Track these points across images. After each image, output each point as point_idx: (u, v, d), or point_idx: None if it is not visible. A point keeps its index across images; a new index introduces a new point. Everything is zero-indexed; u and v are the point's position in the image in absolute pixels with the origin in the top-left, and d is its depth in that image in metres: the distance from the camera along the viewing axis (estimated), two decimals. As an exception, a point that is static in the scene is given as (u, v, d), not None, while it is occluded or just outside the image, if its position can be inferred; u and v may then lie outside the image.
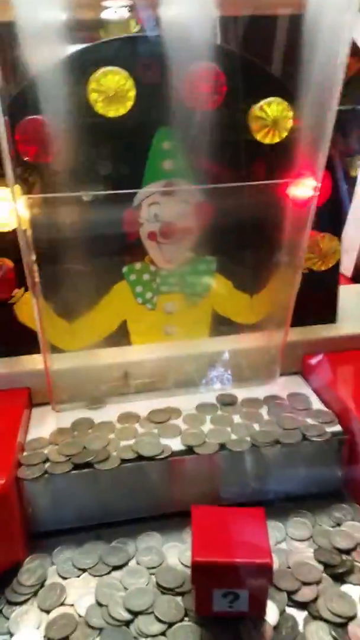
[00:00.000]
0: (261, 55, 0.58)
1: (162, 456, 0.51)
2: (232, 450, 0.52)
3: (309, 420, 0.56)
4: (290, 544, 0.50)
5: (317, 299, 0.64)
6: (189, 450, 0.52)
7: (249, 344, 0.62)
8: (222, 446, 0.52)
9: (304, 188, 0.52)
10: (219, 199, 0.56)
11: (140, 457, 0.51)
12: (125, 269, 0.60)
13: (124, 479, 0.51)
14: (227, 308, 0.64)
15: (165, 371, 0.62)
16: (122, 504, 0.53)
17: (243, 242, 0.60)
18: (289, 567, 0.47)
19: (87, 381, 0.61)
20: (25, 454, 0.52)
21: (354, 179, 0.89)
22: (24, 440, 0.54)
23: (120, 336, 0.63)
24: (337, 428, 0.55)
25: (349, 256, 0.90)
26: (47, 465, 0.51)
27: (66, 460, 0.51)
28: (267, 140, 0.54)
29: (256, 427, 0.55)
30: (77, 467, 0.50)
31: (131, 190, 0.56)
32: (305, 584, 0.45)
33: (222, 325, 0.63)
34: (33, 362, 0.60)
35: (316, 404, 0.59)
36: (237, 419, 0.57)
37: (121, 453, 0.52)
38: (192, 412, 0.58)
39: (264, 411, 0.58)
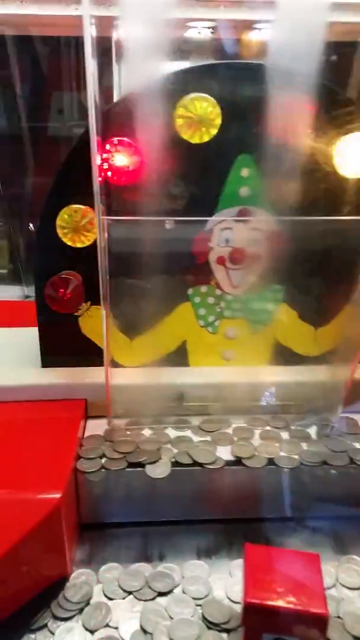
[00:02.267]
0: (343, 81, 0.57)
1: (215, 466, 0.53)
2: (280, 466, 0.54)
3: (357, 445, 0.56)
4: (341, 591, 0.49)
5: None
6: (238, 461, 0.54)
7: (311, 377, 0.61)
8: (270, 461, 0.54)
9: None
10: (293, 229, 0.56)
11: (194, 463, 0.53)
12: (190, 291, 0.60)
13: (175, 482, 0.53)
14: (290, 338, 0.62)
15: (221, 396, 0.61)
16: (170, 504, 0.55)
17: (313, 274, 0.59)
18: (339, 617, 0.46)
19: (142, 398, 0.61)
20: (82, 450, 0.55)
21: None
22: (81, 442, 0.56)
23: (179, 356, 0.63)
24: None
25: None
26: (103, 460, 0.54)
27: (121, 458, 0.54)
28: (352, 176, 0.53)
29: (304, 446, 0.56)
30: (131, 465, 0.53)
31: (208, 218, 0.56)
32: (357, 638, 0.44)
33: (284, 355, 0.62)
34: (92, 375, 0.60)
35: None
36: (285, 435, 0.58)
37: (177, 457, 0.54)
38: (242, 425, 0.60)
39: (312, 431, 0.59)
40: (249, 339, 0.63)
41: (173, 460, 0.54)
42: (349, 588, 0.49)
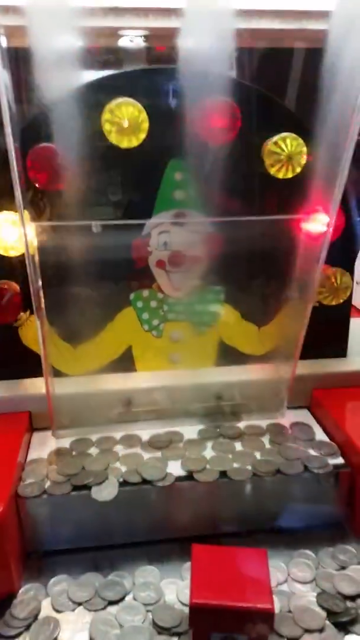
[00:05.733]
0: (276, 88, 0.58)
1: (164, 483, 0.51)
2: (233, 479, 0.52)
3: (312, 452, 0.56)
4: (292, 585, 0.49)
5: (327, 333, 0.63)
6: (189, 476, 0.52)
7: (256, 375, 0.61)
8: (223, 474, 0.52)
9: (317, 223, 0.52)
10: (229, 230, 0.56)
11: (143, 481, 0.51)
12: (132, 296, 0.60)
13: (124, 502, 0.51)
14: (234, 338, 0.63)
15: (169, 400, 0.61)
16: (119, 527, 0.53)
17: (253, 274, 0.60)
18: (290, 612, 0.46)
19: (89, 407, 0.60)
20: (24, 472, 0.53)
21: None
22: (24, 461, 0.54)
23: (125, 362, 0.63)
24: (340, 460, 0.55)
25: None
26: (47, 484, 0.51)
27: (66, 481, 0.51)
28: (281, 175, 0.54)
29: (257, 455, 0.55)
30: (76, 488, 0.51)
31: (141, 221, 0.56)
32: (307, 631, 0.44)
33: (229, 355, 0.63)
34: (35, 386, 0.59)
35: (319, 434, 0.59)
36: (238, 446, 0.56)
37: (125, 475, 0.52)
38: (193, 437, 0.58)
39: (265, 440, 0.58)
40: (195, 340, 0.63)
41: (121, 480, 0.51)
42: (299, 582, 0.49)
